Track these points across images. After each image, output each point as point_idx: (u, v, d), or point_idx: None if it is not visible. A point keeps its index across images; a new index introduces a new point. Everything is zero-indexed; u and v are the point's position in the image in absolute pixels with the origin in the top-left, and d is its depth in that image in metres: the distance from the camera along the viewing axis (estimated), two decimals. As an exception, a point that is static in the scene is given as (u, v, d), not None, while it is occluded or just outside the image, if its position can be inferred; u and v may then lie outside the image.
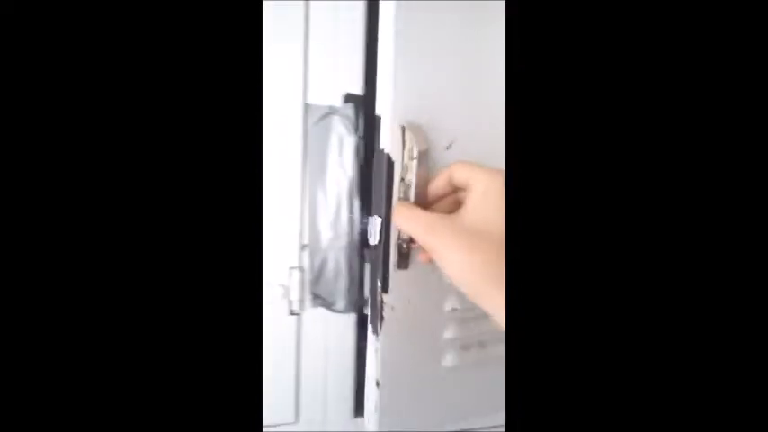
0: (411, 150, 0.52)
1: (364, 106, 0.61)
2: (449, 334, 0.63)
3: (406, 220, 0.48)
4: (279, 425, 0.65)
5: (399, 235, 0.55)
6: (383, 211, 0.54)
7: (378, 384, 0.60)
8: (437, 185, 0.50)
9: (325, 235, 0.62)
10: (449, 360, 0.64)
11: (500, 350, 0.64)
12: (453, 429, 0.67)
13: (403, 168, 0.53)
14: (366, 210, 0.62)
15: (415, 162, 0.52)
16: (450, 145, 0.59)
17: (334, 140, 0.61)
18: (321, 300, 0.63)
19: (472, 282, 0.44)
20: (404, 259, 0.56)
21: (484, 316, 0.63)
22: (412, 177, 0.52)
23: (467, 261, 0.43)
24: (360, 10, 0.59)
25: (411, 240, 0.55)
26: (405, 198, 0.52)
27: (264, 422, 0.64)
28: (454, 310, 0.62)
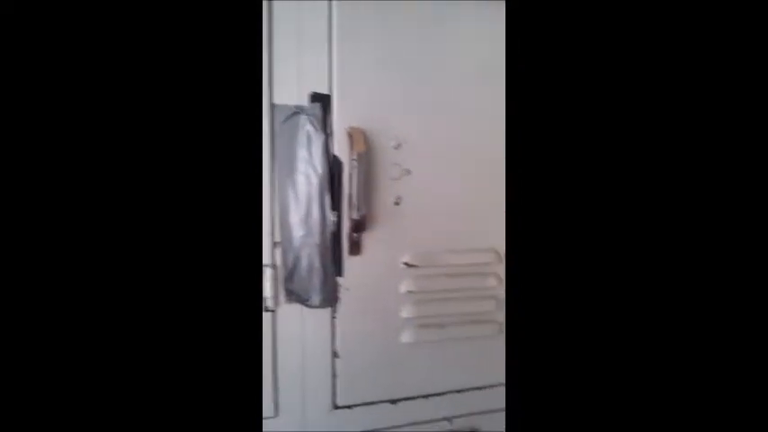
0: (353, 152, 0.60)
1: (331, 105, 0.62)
2: (406, 313, 0.70)
3: None
4: (260, 420, 0.66)
5: (351, 225, 0.63)
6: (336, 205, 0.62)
7: (335, 355, 0.67)
8: None
9: (297, 232, 0.63)
10: (406, 337, 0.70)
11: (458, 331, 0.72)
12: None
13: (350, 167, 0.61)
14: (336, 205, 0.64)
15: (355, 162, 0.60)
16: (399, 145, 0.65)
17: (302, 139, 0.62)
18: (296, 296, 0.65)
19: None
20: (355, 246, 0.65)
21: (442, 299, 0.70)
22: (354, 175, 0.61)
23: None
24: (323, 9, 0.61)
25: (360, 230, 0.63)
26: (349, 194, 0.62)
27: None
28: (409, 292, 0.69)
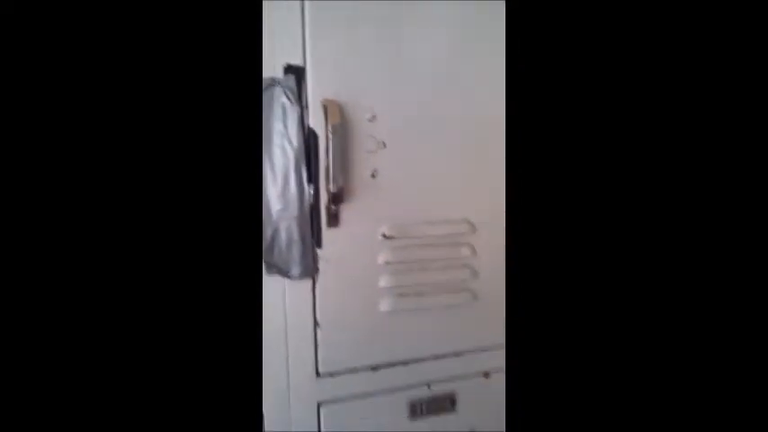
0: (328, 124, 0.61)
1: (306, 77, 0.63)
2: (384, 283, 0.72)
3: None
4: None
5: (328, 197, 0.64)
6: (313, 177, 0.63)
7: (317, 325, 0.69)
8: None
9: (275, 205, 0.64)
10: (385, 306, 0.73)
11: (435, 300, 0.74)
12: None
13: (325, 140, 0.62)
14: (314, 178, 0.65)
15: (330, 134, 0.61)
16: (374, 117, 0.66)
17: (277, 111, 0.62)
18: (276, 268, 0.66)
19: None
20: (333, 219, 0.66)
21: (419, 269, 0.73)
22: (330, 147, 0.62)
23: None
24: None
25: (338, 202, 0.64)
26: (325, 165, 0.62)
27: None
28: (387, 263, 0.71)
